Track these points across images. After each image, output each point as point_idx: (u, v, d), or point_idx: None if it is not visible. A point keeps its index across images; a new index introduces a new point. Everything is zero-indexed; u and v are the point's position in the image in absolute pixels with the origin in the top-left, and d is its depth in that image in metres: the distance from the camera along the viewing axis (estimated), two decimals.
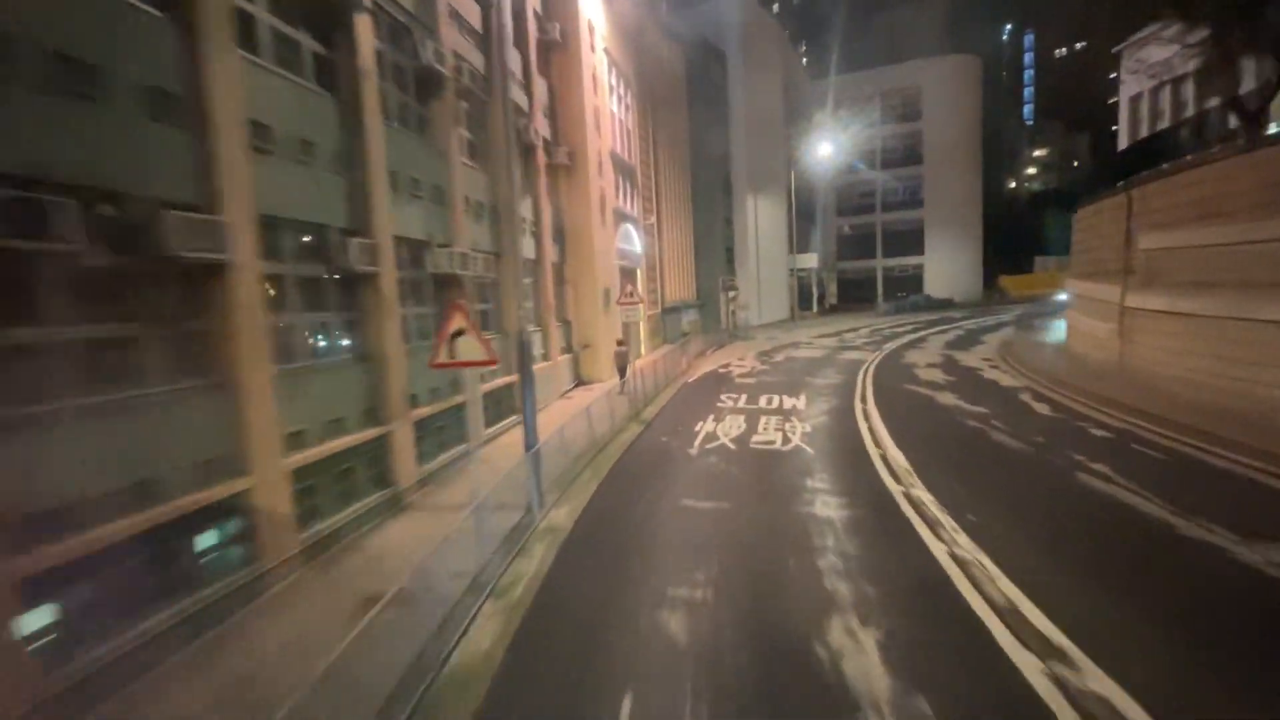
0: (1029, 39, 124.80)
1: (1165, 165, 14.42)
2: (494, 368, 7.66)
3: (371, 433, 8.18)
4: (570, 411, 12.36)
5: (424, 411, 9.59)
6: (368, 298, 8.24)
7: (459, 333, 5.99)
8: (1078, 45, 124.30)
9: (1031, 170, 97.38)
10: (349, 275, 7.86)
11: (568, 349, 17.93)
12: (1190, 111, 19.67)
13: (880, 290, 49.98)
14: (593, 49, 18.53)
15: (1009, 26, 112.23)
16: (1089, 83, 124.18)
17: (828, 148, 34.65)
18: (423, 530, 7.59)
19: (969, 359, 20.99)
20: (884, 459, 9.77)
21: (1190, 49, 14.01)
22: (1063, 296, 34.34)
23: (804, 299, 43.15)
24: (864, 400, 14.45)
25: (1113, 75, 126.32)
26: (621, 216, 21.49)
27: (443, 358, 6.09)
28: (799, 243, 37.24)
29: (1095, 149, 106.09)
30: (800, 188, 36.59)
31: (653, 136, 27.84)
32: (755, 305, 36.61)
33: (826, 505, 7.84)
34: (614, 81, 21.24)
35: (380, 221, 8.35)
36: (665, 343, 28.50)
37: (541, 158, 15.78)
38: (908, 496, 7.99)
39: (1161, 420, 11.05)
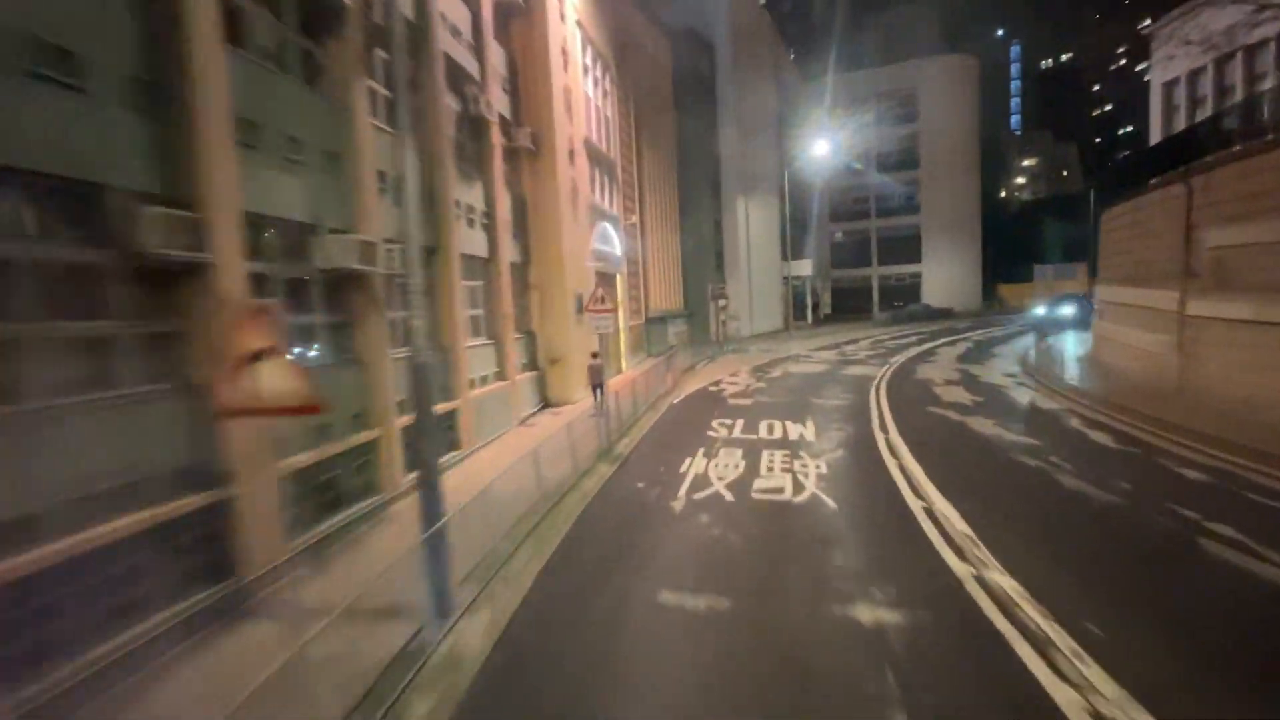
0: (1015, 50, 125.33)
1: (1238, 147, 12.23)
2: (317, 415, 4.98)
3: (195, 500, 5.45)
4: (527, 444, 9.68)
5: (302, 460, 6.88)
6: (191, 300, 5.55)
7: (257, 356, 3.36)
8: (1063, 56, 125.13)
9: (1020, 180, 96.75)
10: (150, 265, 5.16)
11: (531, 365, 15.27)
12: (1238, 95, 17.58)
13: (876, 299, 47.88)
14: (562, 18, 16.06)
15: (999, 34, 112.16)
16: (1075, 94, 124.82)
17: (823, 147, 32.44)
18: (249, 660, 4.83)
19: (989, 374, 18.60)
20: (931, 516, 7.24)
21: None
22: (1068, 309, 32.46)
23: (798, 309, 40.84)
24: (884, 428, 11.91)
25: (1096, 87, 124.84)
26: (598, 214, 18.96)
27: (231, 399, 3.45)
28: (792, 249, 34.96)
29: (1083, 158, 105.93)
30: (793, 192, 34.45)
31: (636, 129, 25.43)
32: (747, 315, 34.22)
33: (870, 606, 5.26)
34: (589, 62, 18.79)
35: (218, 187, 5.68)
36: (650, 356, 25.93)
37: (498, 137, 13.21)
38: (985, 587, 5.46)
39: (1266, 457, 8.67)
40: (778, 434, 11.74)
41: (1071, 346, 23.09)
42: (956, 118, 44.34)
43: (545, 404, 15.64)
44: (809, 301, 40.84)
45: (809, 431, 11.83)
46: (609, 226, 19.91)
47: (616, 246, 20.86)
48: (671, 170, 29.81)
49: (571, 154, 16.38)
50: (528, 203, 15.40)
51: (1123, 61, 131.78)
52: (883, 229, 47.23)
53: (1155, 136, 19.84)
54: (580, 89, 17.51)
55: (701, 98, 31.53)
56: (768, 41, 37.15)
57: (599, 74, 19.72)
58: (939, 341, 28.62)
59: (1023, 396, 15.04)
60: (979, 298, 46.50)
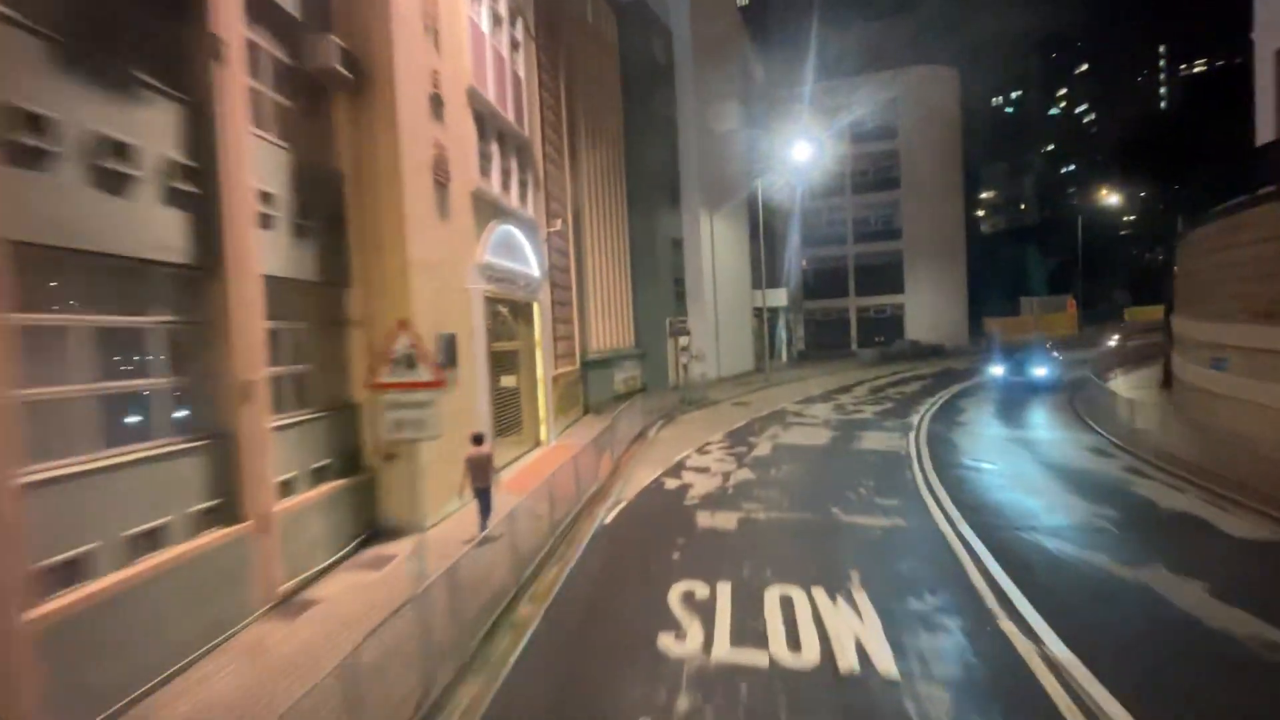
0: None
1: None
2: None
3: None
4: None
5: None
6: None
7: None
8: (1013, 94, 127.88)
9: (980, 212, 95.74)
10: None
11: (343, 469, 8.39)
12: None
13: (855, 334, 42.74)
14: None
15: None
16: (1025, 130, 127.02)
17: (799, 154, 26.99)
18: None
19: (1065, 450, 12.68)
20: None
21: None
22: (1040, 369, 27.64)
23: (771, 346, 35.11)
24: (1010, 610, 5.46)
25: (1081, 113, 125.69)
26: (496, 211, 12.42)
27: None
28: (762, 277, 29.24)
29: (1038, 191, 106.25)
30: (764, 211, 28.87)
31: (569, 116, 19.25)
32: (713, 354, 28.08)
33: None
34: None
35: None
36: (589, 413, 19.23)
37: (239, 34, 6.61)
38: None
39: None
40: (806, 639, 5.19)
41: (1145, 404, 17.58)
42: (938, 133, 40.24)
43: (373, 533, 8.71)
44: (783, 337, 35.18)
45: (867, 628, 5.34)
46: (516, 232, 13.37)
47: (531, 262, 14.30)
48: (619, 175, 23.74)
49: (438, 103, 9.87)
50: (344, 177, 8.74)
51: (1062, 104, 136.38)
52: (861, 256, 42.42)
53: (1265, 134, 14.86)
54: (463, 13, 11.14)
55: (657, 93, 25.83)
56: (735, 35, 32.04)
57: (503, 10, 13.44)
58: (950, 390, 22.94)
59: (1166, 498, 9.04)
60: (965, 332, 41.88)
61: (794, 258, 43.56)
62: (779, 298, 33.39)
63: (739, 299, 30.96)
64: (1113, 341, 33.44)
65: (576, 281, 19.15)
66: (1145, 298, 61.86)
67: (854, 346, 42.61)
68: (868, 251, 42.21)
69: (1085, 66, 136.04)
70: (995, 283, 47.31)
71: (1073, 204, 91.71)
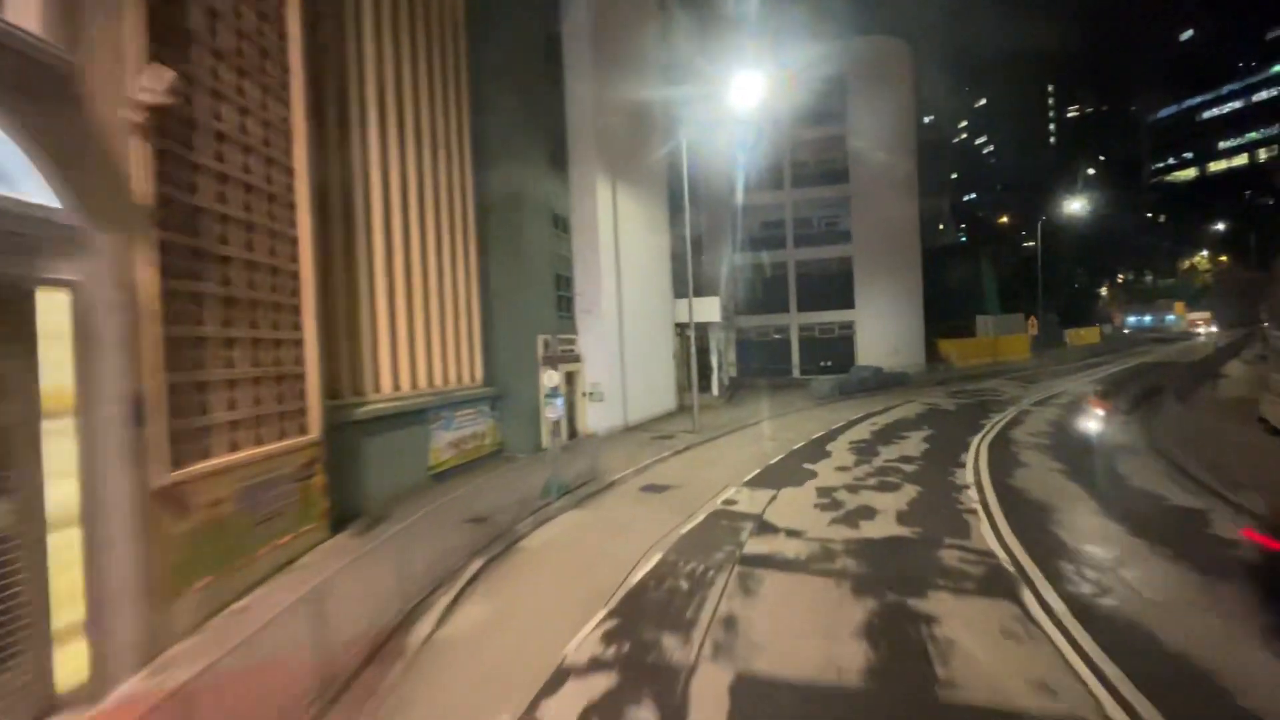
0: None
1: None
2: None
3: None
4: None
5: None
6: None
7: None
8: (925, 119, 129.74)
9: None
10: None
11: None
12: None
13: (796, 358, 35.08)
14: None
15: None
16: (934, 153, 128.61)
17: (741, 101, 18.54)
18: None
19: None
20: None
21: None
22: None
23: (700, 373, 26.43)
24: None
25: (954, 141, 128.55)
26: None
27: None
28: (689, 281, 20.36)
29: (954, 212, 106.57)
30: (683, 197, 20.36)
31: None
32: (617, 388, 18.91)
33: None
34: None
35: None
36: (345, 528, 9.19)
37: None
38: None
39: None
40: None
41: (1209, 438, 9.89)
42: (890, 118, 33.75)
43: None
44: (714, 363, 26.59)
45: None
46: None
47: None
48: (459, 108, 14.27)
49: None
50: None
51: (963, 135, 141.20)
52: (804, 263, 35.00)
53: None
54: None
55: (533, 23, 16.72)
56: None
57: None
58: (979, 438, 14.84)
59: None
60: (922, 355, 35.27)
61: (728, 261, 35.47)
62: (710, 310, 24.85)
63: (656, 312, 22.07)
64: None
65: (319, 259, 9.34)
66: (1073, 320, 59.78)
67: (795, 372, 34.89)
68: (812, 258, 34.88)
69: (984, 100, 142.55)
70: (943, 300, 41.51)
71: (994, 223, 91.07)
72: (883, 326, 33.90)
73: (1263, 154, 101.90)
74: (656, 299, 22.16)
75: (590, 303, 18.50)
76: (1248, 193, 75.95)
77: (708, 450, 15.89)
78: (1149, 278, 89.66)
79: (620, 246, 19.62)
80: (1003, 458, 13.49)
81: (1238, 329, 53.36)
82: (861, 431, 17.72)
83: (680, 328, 24.71)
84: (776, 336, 35.46)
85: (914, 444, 15.52)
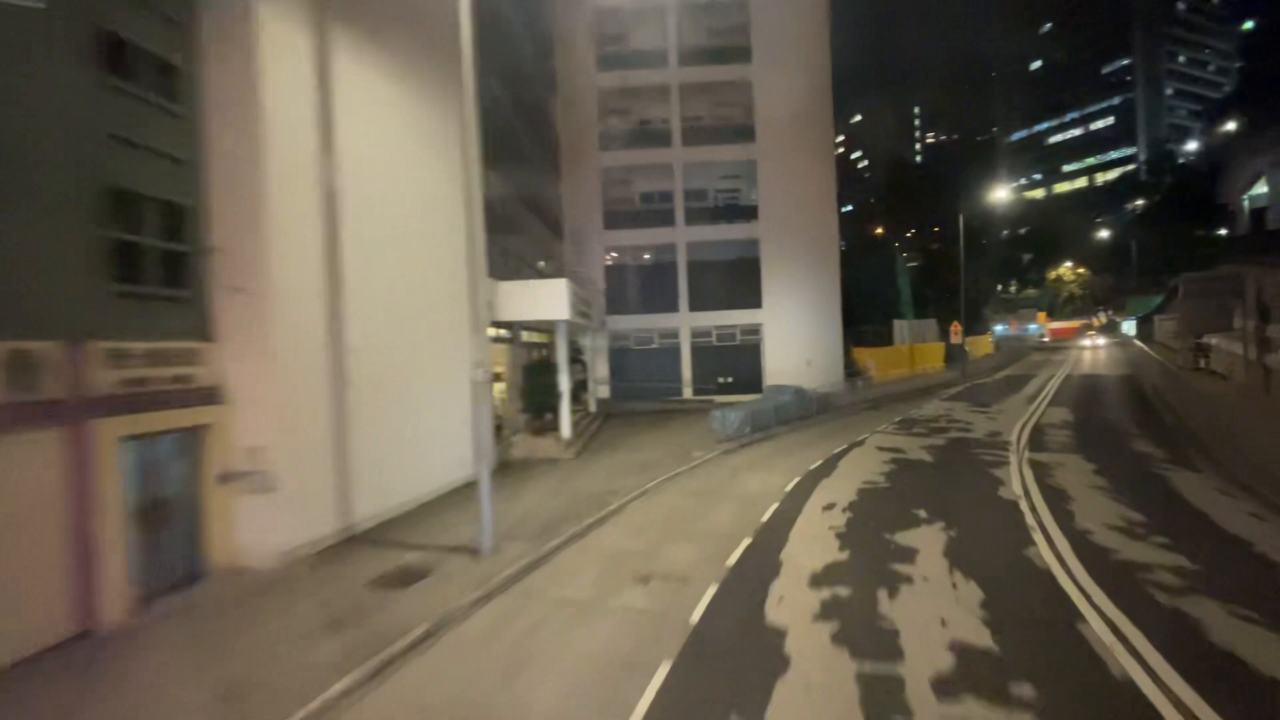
0: None
1: None
2: None
3: None
4: None
5: None
6: None
7: None
8: None
9: None
10: None
11: None
12: None
13: (688, 372, 26.41)
14: None
15: None
16: None
17: None
18: None
19: None
20: None
21: None
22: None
23: (542, 401, 16.63)
24: None
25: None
26: None
27: None
28: (475, 255, 10.41)
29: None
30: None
31: None
32: (318, 452, 8.80)
33: None
34: None
35: None
36: None
37: None
38: None
39: None
40: None
41: None
42: (805, 67, 26.15)
43: None
44: (563, 386, 16.59)
45: None
46: None
47: None
48: None
49: None
50: None
51: (840, 149, 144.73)
52: (698, 247, 26.42)
53: None
54: None
55: None
56: None
57: None
58: (1045, 557, 6.38)
59: None
60: (841, 367, 28.09)
61: (588, 244, 26.15)
62: (555, 302, 15.09)
63: (435, 302, 12.00)
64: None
65: None
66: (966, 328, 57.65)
67: (687, 391, 26.27)
68: (708, 241, 26.41)
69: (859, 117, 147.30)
70: (855, 301, 35.16)
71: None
72: (796, 332, 26.18)
73: (1099, 178, 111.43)
74: (439, 278, 12.08)
75: (246, 272, 8.15)
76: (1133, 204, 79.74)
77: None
78: (1013, 288, 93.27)
79: (350, 168, 9.47)
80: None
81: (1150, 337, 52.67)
82: (821, 537, 8.85)
83: (504, 332, 14.87)
84: (662, 344, 26.62)
85: (943, 586, 6.83)
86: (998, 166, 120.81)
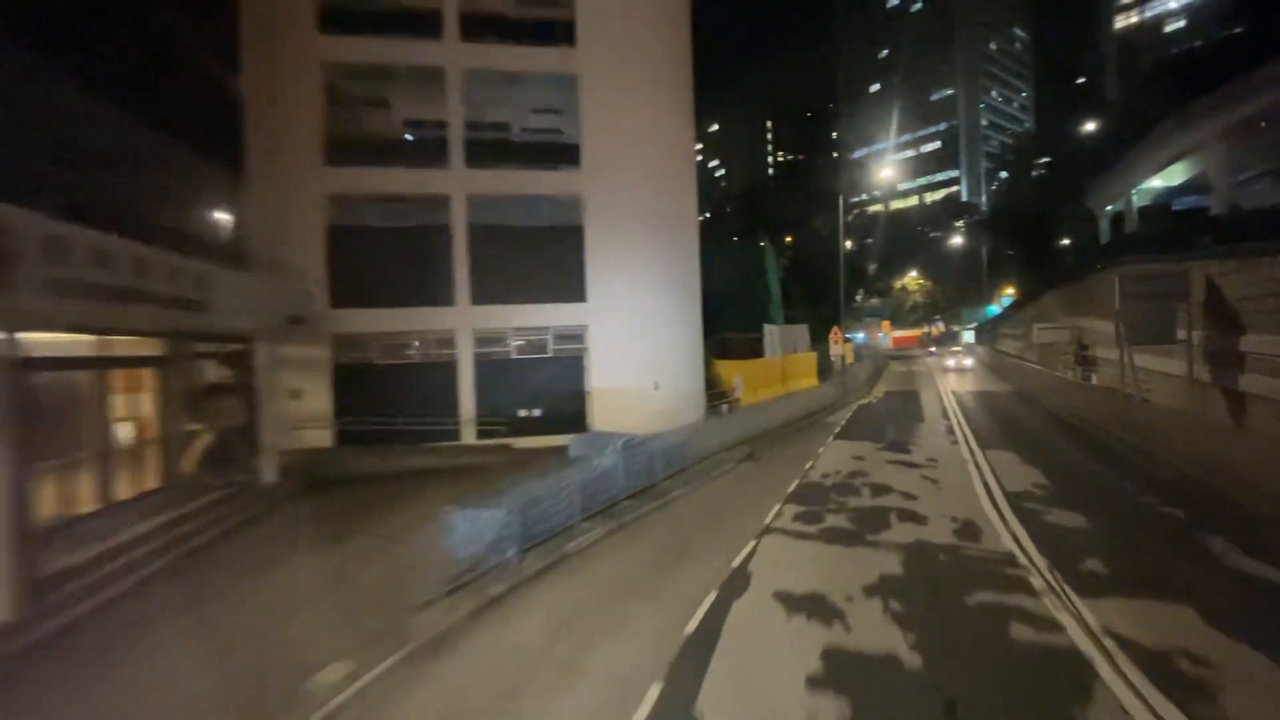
0: None
1: None
2: None
3: None
4: None
5: None
6: None
7: None
8: None
9: None
10: None
11: None
12: None
13: (469, 400, 16.58)
14: None
15: None
16: None
17: None
18: None
19: None
20: None
21: None
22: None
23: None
24: None
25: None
26: None
27: None
28: None
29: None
30: None
31: None
32: None
33: None
34: None
35: None
36: None
37: None
38: None
39: None
40: None
41: None
42: None
43: None
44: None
45: None
46: None
47: None
48: None
49: None
50: None
51: (715, 127, 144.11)
52: (486, 204, 16.69)
53: None
54: None
55: None
56: None
57: None
58: None
59: None
60: (700, 391, 20.03)
61: (307, 178, 15.65)
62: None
63: None
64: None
65: None
66: (822, 336, 54.27)
67: (467, 433, 16.44)
68: (503, 195, 16.78)
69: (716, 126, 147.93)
70: (714, 300, 27.90)
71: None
72: (638, 340, 17.56)
73: (929, 197, 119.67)
74: None
75: None
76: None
77: None
78: (859, 296, 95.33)
79: None
80: None
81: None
82: None
83: None
84: (428, 356, 16.55)
85: None
86: (842, 181, 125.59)
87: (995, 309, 69.49)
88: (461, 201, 16.55)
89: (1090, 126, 42.13)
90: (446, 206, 16.50)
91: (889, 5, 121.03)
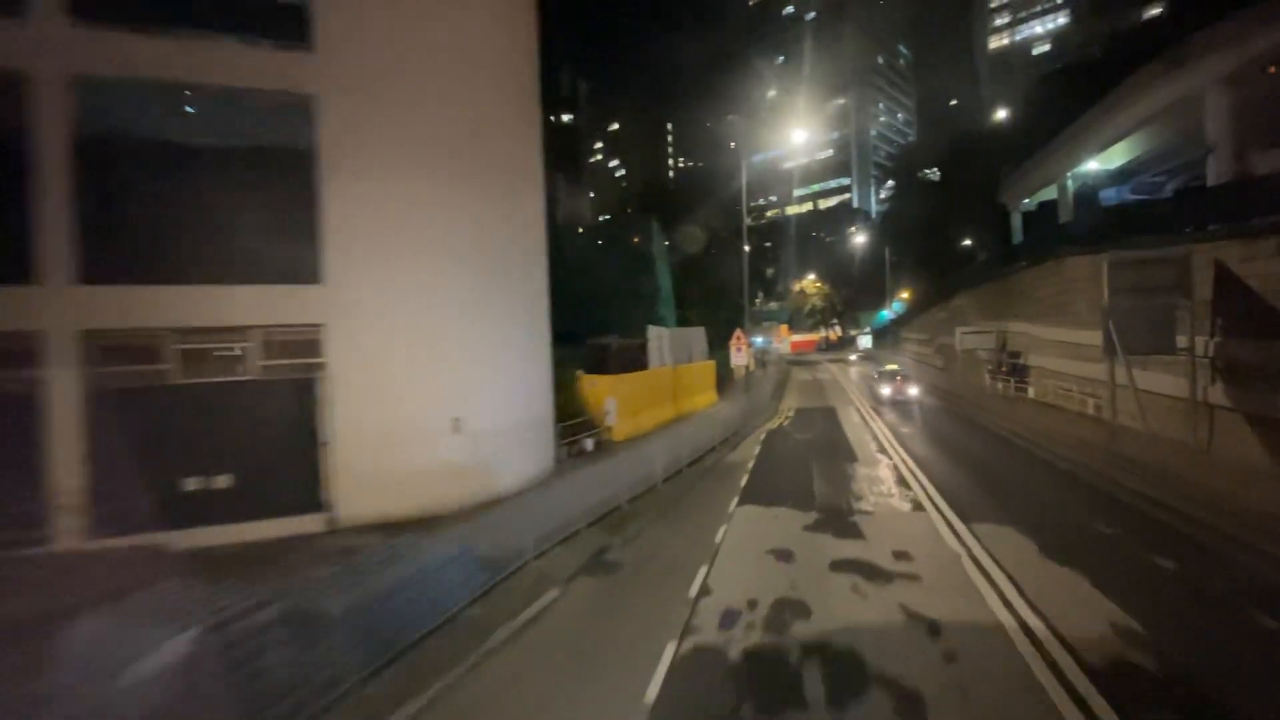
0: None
1: None
2: None
3: None
4: None
5: None
6: None
7: None
8: (564, 117, 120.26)
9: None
10: None
11: None
12: None
13: (71, 473, 8.85)
14: None
15: None
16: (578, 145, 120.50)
17: None
18: None
19: None
20: None
21: None
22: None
23: None
24: None
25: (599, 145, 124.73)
26: None
27: None
28: None
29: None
30: None
31: None
32: None
33: None
34: None
35: None
36: None
37: None
38: None
39: None
40: None
41: None
42: None
43: None
44: None
45: None
46: None
47: None
48: None
49: None
50: None
51: (615, 126, 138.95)
52: (104, 93, 9.10)
53: None
54: None
55: None
56: None
57: None
58: None
59: None
60: (548, 422, 13.35)
61: None
62: None
63: None
64: None
65: None
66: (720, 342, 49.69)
67: (70, 529, 8.54)
68: (143, 82, 9.25)
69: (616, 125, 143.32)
70: (581, 298, 21.63)
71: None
72: (421, 346, 10.49)
73: (821, 203, 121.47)
74: None
75: None
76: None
77: None
78: (758, 300, 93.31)
79: None
80: None
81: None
82: None
83: None
84: None
85: None
86: (740, 184, 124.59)
87: (887, 314, 68.91)
88: (57, 86, 8.68)
89: (1002, 114, 40.28)
90: (19, 93, 8.56)
91: (785, 13, 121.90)
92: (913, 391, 23.25)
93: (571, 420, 15.84)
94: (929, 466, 13.28)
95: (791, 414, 22.72)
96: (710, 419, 18.87)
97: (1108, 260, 13.01)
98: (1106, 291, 12.87)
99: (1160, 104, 20.52)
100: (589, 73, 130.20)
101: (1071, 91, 27.26)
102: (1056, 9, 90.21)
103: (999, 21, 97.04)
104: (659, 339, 20.79)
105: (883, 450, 15.33)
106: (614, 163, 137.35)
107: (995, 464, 13.64)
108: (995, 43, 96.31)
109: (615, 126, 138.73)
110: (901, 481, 12.18)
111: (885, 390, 23.78)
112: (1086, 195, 25.15)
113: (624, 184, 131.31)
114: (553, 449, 13.69)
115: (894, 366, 25.96)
